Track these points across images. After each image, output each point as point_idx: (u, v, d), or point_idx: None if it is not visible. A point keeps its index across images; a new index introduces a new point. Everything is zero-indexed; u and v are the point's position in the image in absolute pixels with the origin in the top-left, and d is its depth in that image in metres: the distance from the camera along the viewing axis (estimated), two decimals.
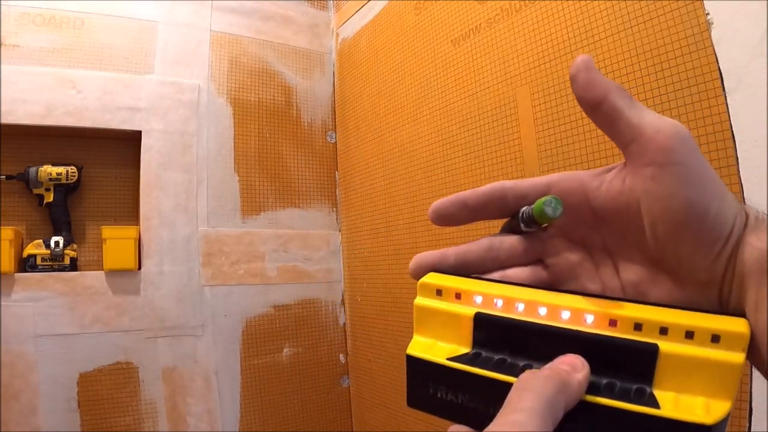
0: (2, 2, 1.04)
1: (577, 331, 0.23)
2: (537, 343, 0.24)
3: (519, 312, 0.25)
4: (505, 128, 0.88)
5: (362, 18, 1.30)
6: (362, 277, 1.26)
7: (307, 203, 1.33)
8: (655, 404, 0.21)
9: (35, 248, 1.03)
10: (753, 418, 0.56)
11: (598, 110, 0.25)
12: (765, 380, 0.54)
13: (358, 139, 1.30)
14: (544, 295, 0.25)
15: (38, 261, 1.03)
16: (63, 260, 1.04)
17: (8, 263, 0.99)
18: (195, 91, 1.20)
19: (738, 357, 0.21)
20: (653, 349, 0.22)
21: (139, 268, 1.09)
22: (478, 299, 0.26)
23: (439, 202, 0.29)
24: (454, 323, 0.26)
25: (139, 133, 1.12)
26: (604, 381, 0.22)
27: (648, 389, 0.22)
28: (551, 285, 0.27)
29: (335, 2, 1.44)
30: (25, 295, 1.00)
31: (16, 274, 1.00)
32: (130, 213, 1.16)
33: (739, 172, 0.57)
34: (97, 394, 1.04)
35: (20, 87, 1.03)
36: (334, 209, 1.37)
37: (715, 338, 0.21)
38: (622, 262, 0.26)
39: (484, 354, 0.25)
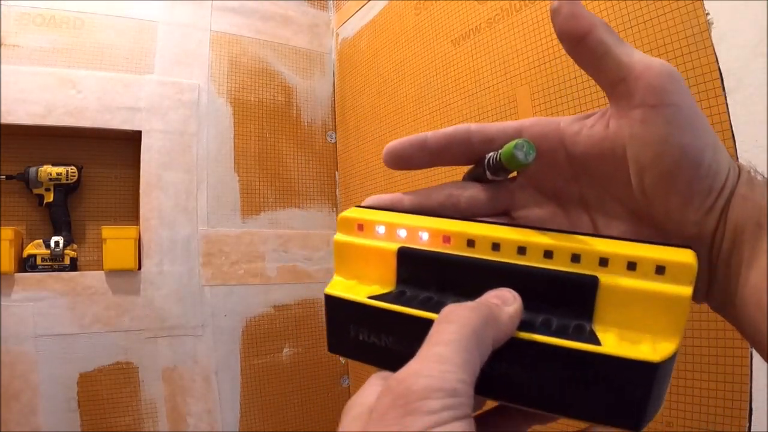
0: (2, 2, 1.04)
1: (508, 263, 0.21)
2: (466, 279, 0.22)
3: (446, 246, 0.23)
4: None
5: (362, 18, 1.30)
6: None
7: (307, 203, 1.33)
8: (595, 341, 0.19)
9: (35, 248, 1.03)
10: (753, 418, 0.56)
11: (582, 45, 0.21)
12: (765, 380, 0.54)
13: (358, 139, 1.30)
14: (474, 227, 0.23)
15: (38, 261, 1.03)
16: (63, 260, 1.04)
17: (8, 263, 0.99)
18: (195, 91, 1.20)
19: (685, 290, 0.19)
20: (592, 282, 0.20)
21: (139, 268, 1.09)
22: (402, 233, 0.24)
23: (395, 142, 0.26)
24: (376, 260, 0.24)
25: (139, 133, 1.12)
26: (540, 318, 0.20)
27: (588, 326, 0.20)
28: None
29: (335, 2, 1.44)
30: (25, 295, 1.00)
31: (16, 274, 1.00)
32: (130, 213, 1.16)
33: None
34: (97, 394, 1.04)
35: (20, 87, 1.03)
36: (334, 209, 1.37)
37: (660, 269, 0.19)
38: (601, 216, 0.24)
39: (408, 292, 0.23)
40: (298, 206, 1.32)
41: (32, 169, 1.05)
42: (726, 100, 0.59)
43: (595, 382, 0.18)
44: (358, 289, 0.23)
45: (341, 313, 0.23)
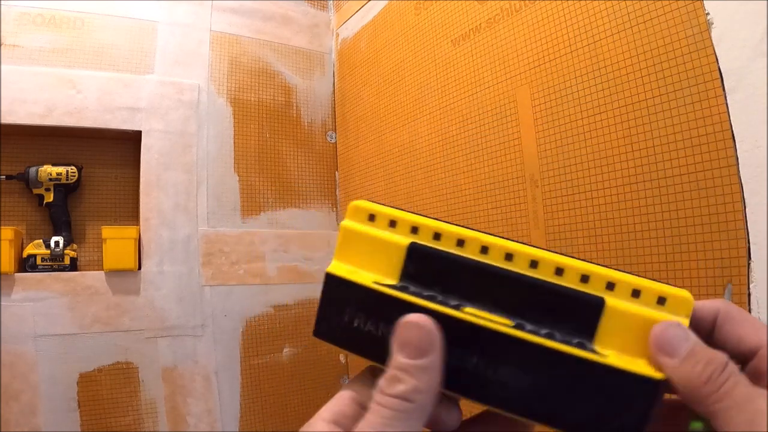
0: (2, 2, 1.04)
1: (519, 273, 0.22)
2: (472, 283, 0.22)
3: (459, 249, 0.23)
4: (505, 128, 0.88)
5: (362, 18, 1.30)
6: None
7: (307, 203, 1.33)
8: (599, 355, 0.19)
9: (35, 248, 1.03)
10: None
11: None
12: None
13: (358, 139, 1.30)
14: (489, 237, 0.23)
15: (38, 261, 1.03)
16: (63, 260, 1.04)
17: (8, 263, 0.99)
18: (195, 91, 1.20)
19: (683, 321, 0.20)
20: (599, 302, 0.21)
21: (139, 268, 1.09)
22: (415, 230, 0.24)
23: None
24: (383, 251, 0.24)
25: (139, 133, 1.12)
26: (543, 331, 0.21)
27: (589, 344, 0.21)
28: None
29: (335, 2, 1.44)
30: (25, 295, 1.00)
31: (16, 274, 1.00)
32: (130, 213, 1.16)
33: (739, 172, 0.57)
34: (97, 394, 1.04)
35: (20, 87, 1.03)
36: (334, 209, 1.37)
37: (661, 300, 0.21)
38: None
39: (412, 288, 0.23)
40: (298, 206, 1.32)
41: (32, 169, 1.05)
42: (726, 100, 0.59)
43: (596, 393, 0.19)
44: (360, 274, 0.23)
45: (340, 295, 0.23)
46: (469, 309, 0.21)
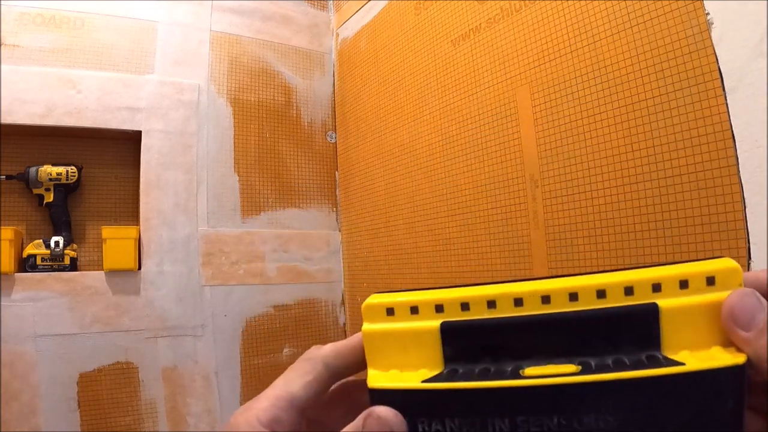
0: (2, 2, 1.04)
1: (563, 313, 0.20)
2: (520, 340, 0.21)
3: (492, 311, 0.21)
4: (505, 128, 0.88)
5: (362, 18, 1.30)
6: (362, 277, 1.26)
7: (307, 203, 1.33)
8: (675, 363, 0.19)
9: (35, 248, 1.03)
10: None
11: None
12: None
13: (358, 139, 1.30)
14: (516, 285, 0.22)
15: (38, 261, 1.03)
16: (63, 260, 1.04)
17: (8, 263, 0.99)
18: (195, 91, 1.20)
19: None
20: (653, 309, 0.20)
21: (139, 268, 1.09)
22: (440, 309, 0.22)
23: None
24: (416, 343, 0.22)
25: (139, 133, 1.12)
26: (610, 360, 0.20)
27: (659, 355, 0.20)
28: None
29: (335, 2, 1.44)
30: (25, 295, 1.00)
31: (16, 274, 1.00)
32: (130, 213, 1.16)
33: (739, 172, 0.57)
34: (97, 394, 1.04)
35: (20, 87, 1.03)
36: (334, 209, 1.37)
37: (710, 280, 0.20)
38: None
39: (461, 369, 0.21)
40: (298, 206, 1.32)
41: (32, 169, 1.05)
42: (726, 100, 0.59)
43: (687, 402, 0.18)
44: (404, 376, 0.22)
45: (394, 406, 0.21)
46: (528, 370, 0.20)
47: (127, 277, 1.08)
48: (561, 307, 0.21)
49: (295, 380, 0.23)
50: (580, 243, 0.74)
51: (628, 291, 0.20)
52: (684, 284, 0.20)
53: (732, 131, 0.58)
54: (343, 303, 1.32)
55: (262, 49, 1.32)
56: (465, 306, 0.22)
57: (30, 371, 0.98)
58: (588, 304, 0.20)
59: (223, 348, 1.16)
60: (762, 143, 0.55)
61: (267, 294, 1.23)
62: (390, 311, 0.23)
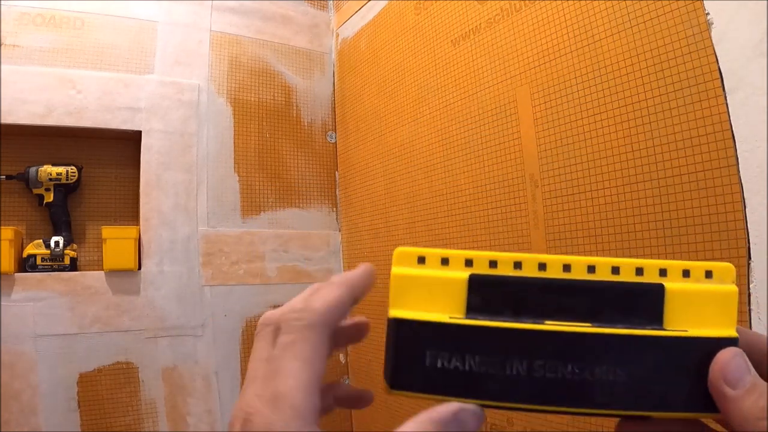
0: (2, 2, 1.04)
1: (582, 280, 0.23)
2: (540, 299, 0.23)
3: (518, 271, 0.24)
4: (505, 128, 0.88)
5: (362, 18, 1.30)
6: None
7: (307, 203, 1.33)
8: (679, 332, 0.22)
9: (35, 248, 1.03)
10: None
11: None
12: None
13: (358, 139, 1.30)
14: (541, 255, 0.24)
15: (38, 261, 1.03)
16: (63, 260, 1.04)
17: (8, 263, 0.99)
18: (195, 91, 1.20)
19: (731, 287, 0.23)
20: (659, 289, 0.23)
21: (139, 268, 1.09)
22: (469, 263, 0.24)
23: None
24: (443, 290, 0.24)
25: (139, 133, 1.12)
26: (620, 326, 0.23)
27: (661, 328, 0.23)
28: None
29: (335, 2, 1.44)
30: (25, 295, 1.00)
31: (16, 274, 1.00)
32: (130, 213, 1.16)
33: (739, 172, 0.57)
34: (97, 394, 1.04)
35: (20, 87, 1.03)
36: (334, 209, 1.37)
37: (708, 274, 0.23)
38: None
39: (482, 318, 0.23)
40: (298, 206, 1.32)
41: (32, 169, 1.05)
42: (726, 100, 0.59)
43: (687, 365, 0.22)
44: (429, 314, 0.23)
45: (415, 339, 0.22)
46: (548, 323, 0.23)
47: (127, 277, 1.08)
48: (580, 276, 0.23)
49: (314, 361, 0.25)
50: (580, 243, 0.74)
51: (639, 271, 0.23)
52: (686, 273, 0.23)
53: (732, 131, 0.58)
54: None
55: (262, 49, 1.32)
56: (493, 263, 0.24)
57: (30, 371, 0.98)
58: (604, 276, 0.23)
59: (223, 348, 1.16)
60: (762, 143, 0.55)
61: (267, 294, 1.23)
62: (421, 260, 0.24)
